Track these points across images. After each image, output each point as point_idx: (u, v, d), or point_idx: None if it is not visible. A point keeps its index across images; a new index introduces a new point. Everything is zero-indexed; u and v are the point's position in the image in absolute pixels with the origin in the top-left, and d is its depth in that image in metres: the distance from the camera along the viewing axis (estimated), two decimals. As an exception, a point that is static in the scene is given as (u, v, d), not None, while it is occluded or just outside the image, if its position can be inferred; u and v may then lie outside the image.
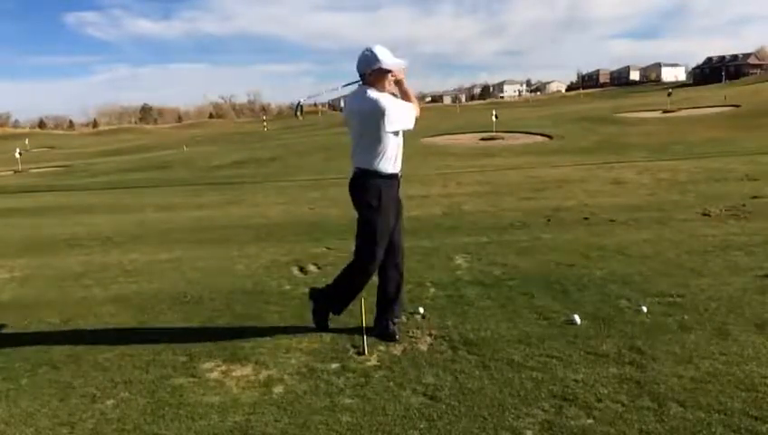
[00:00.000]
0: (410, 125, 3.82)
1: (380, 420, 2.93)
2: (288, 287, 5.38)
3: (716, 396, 2.97)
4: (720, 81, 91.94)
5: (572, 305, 4.43)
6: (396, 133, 3.77)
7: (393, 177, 3.86)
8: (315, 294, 4.24)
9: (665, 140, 24.52)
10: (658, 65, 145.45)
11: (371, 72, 3.68)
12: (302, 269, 6.05)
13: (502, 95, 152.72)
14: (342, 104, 4.17)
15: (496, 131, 30.35)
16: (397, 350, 3.80)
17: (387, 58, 3.67)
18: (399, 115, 3.72)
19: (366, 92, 3.69)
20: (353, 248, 3.99)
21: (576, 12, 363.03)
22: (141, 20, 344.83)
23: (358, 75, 3.77)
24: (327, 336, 4.07)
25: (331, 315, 4.22)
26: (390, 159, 3.80)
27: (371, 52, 3.67)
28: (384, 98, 3.66)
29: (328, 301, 4.17)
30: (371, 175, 3.77)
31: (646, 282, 4.94)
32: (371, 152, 3.74)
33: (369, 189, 3.78)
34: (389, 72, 3.71)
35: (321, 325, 4.17)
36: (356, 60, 3.74)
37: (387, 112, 3.62)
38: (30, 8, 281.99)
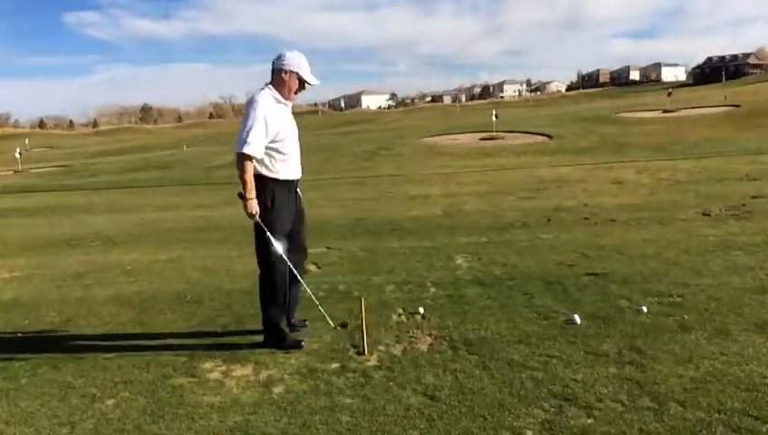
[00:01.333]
0: (236, 143, 3.66)
1: (380, 420, 2.93)
2: (288, 287, 5.37)
3: (716, 396, 2.96)
4: (720, 81, 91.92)
5: (572, 305, 4.42)
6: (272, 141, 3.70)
7: (286, 183, 3.83)
8: (268, 332, 3.97)
9: (665, 139, 24.53)
10: (658, 65, 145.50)
11: (287, 71, 3.74)
12: (302, 269, 6.04)
13: (502, 95, 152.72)
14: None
15: (496, 131, 30.36)
16: (397, 350, 3.80)
17: (307, 69, 3.81)
18: (243, 126, 3.66)
19: (259, 91, 3.77)
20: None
21: (576, 12, 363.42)
22: (141, 20, 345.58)
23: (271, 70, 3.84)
24: (327, 336, 4.07)
25: (329, 319, 4.18)
26: (270, 165, 3.75)
27: (298, 56, 3.79)
28: (256, 105, 3.66)
29: (272, 323, 3.92)
30: (263, 178, 3.74)
31: (646, 282, 4.94)
32: None
33: (263, 192, 3.75)
34: (301, 81, 3.79)
35: (293, 343, 3.92)
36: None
37: (245, 115, 3.66)
38: (30, 8, 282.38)
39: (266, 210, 3.77)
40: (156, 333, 4.30)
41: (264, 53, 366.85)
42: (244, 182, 3.67)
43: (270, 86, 3.79)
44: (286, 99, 3.81)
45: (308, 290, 4.17)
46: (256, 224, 3.79)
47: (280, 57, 3.79)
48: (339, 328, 4.13)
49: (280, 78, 3.77)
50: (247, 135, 3.61)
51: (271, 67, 3.83)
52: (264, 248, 3.83)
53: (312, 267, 6.09)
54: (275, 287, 3.86)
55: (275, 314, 3.91)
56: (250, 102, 3.74)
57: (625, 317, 4.14)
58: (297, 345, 3.89)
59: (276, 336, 3.92)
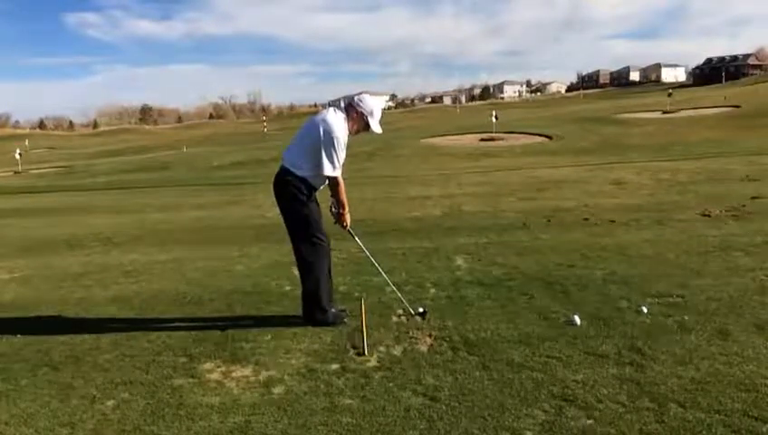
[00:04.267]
0: (326, 166, 4.06)
1: (380, 421, 2.93)
2: (288, 288, 5.37)
3: (716, 397, 2.97)
4: (720, 81, 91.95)
5: (572, 306, 4.42)
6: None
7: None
8: (308, 315, 4.35)
9: (665, 140, 24.55)
10: (658, 66, 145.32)
11: (359, 112, 4.14)
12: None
13: (502, 96, 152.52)
14: (342, 105, 4.29)
15: (496, 132, 30.36)
16: (397, 350, 3.80)
17: (377, 119, 4.22)
18: (330, 151, 4.05)
19: (336, 113, 4.15)
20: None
21: (576, 12, 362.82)
22: (141, 21, 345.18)
23: (344, 101, 4.25)
24: (327, 337, 4.07)
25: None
26: (317, 180, 4.22)
27: (375, 103, 4.20)
28: (339, 134, 4.05)
29: (314, 302, 4.30)
30: (308, 184, 4.19)
31: (646, 282, 4.93)
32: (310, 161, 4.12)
33: (311, 195, 4.27)
34: (366, 125, 4.19)
35: (338, 318, 4.32)
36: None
37: (329, 140, 4.02)
38: (30, 8, 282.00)
39: (312, 207, 4.26)
40: (156, 334, 4.30)
41: (265, 54, 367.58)
42: (343, 200, 4.25)
43: (344, 116, 4.16)
44: (349, 132, 4.18)
45: (384, 275, 4.63)
46: (293, 213, 4.22)
47: (361, 97, 4.21)
48: (418, 316, 4.37)
49: (352, 114, 4.18)
50: (337, 161, 4.08)
51: (349, 99, 4.28)
52: (311, 241, 4.26)
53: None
54: (320, 272, 4.27)
55: (321, 296, 4.28)
56: (331, 129, 4.04)
57: (625, 318, 4.14)
58: (341, 320, 4.29)
59: (322, 314, 4.28)
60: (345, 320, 4.31)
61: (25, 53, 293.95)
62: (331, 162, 4.05)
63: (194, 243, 8.04)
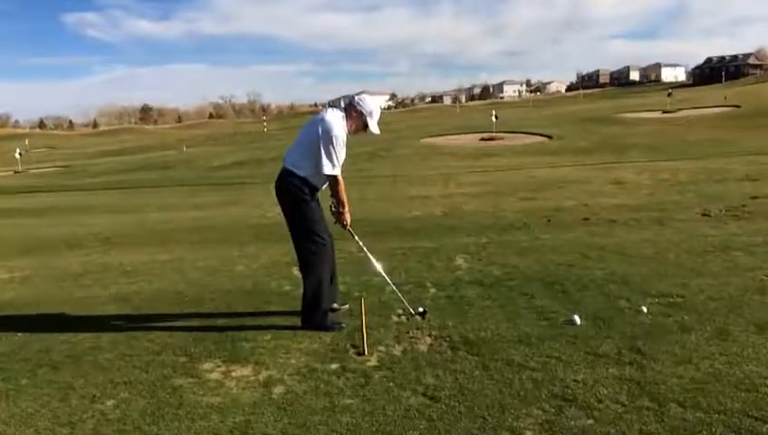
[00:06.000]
0: (326, 165, 4.05)
1: (380, 421, 2.93)
2: (288, 288, 5.37)
3: (716, 397, 2.96)
4: (720, 81, 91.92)
5: (572, 306, 4.42)
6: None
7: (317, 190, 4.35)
8: (307, 317, 4.30)
9: (665, 140, 24.54)
10: (658, 65, 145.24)
11: (359, 111, 4.17)
12: (302, 269, 6.03)
13: (502, 95, 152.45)
14: (342, 105, 4.30)
15: (496, 132, 30.36)
16: (397, 350, 3.80)
17: (375, 120, 4.23)
18: (329, 150, 4.05)
19: (335, 112, 4.18)
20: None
21: (576, 12, 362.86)
22: (141, 20, 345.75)
23: (344, 101, 4.31)
24: (327, 336, 4.07)
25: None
26: (319, 180, 4.21)
27: (374, 103, 4.22)
28: (338, 132, 4.05)
29: (314, 304, 4.26)
30: (309, 184, 4.18)
31: (646, 282, 4.93)
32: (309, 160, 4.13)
33: (312, 195, 4.24)
34: (365, 125, 4.20)
35: (336, 324, 4.27)
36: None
37: (327, 139, 4.03)
38: (30, 8, 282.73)
39: (314, 207, 4.27)
40: (156, 334, 4.30)
41: (264, 54, 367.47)
42: (343, 199, 4.23)
43: (343, 115, 4.18)
44: (347, 131, 4.19)
45: (386, 277, 4.56)
46: (297, 213, 4.19)
47: (360, 96, 4.23)
48: (418, 316, 4.35)
49: (351, 113, 4.20)
50: (336, 160, 4.08)
51: (348, 99, 4.32)
52: (313, 241, 4.20)
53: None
54: (322, 273, 4.22)
55: (322, 296, 4.23)
56: (329, 128, 4.04)
57: (625, 318, 4.14)
58: (339, 327, 4.21)
59: (320, 318, 4.24)
60: (343, 326, 4.26)
61: (25, 53, 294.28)
62: (331, 161, 4.05)
63: (194, 243, 8.04)
